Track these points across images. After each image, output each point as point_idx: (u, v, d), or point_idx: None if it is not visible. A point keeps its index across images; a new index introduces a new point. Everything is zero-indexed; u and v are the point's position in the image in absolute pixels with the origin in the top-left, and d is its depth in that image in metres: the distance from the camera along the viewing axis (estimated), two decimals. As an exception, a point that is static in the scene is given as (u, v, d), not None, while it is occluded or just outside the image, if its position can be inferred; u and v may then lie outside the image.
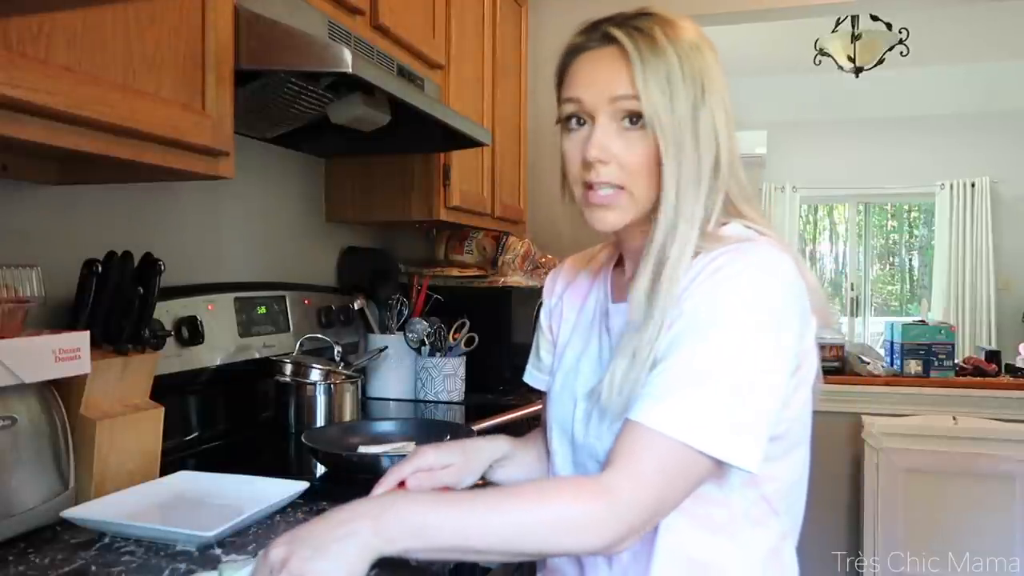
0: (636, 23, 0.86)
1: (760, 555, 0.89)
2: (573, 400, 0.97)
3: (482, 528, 0.74)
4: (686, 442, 0.76)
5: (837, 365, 2.99)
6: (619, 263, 1.01)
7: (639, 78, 0.83)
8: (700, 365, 0.78)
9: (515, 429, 1.64)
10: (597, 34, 0.87)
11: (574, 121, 0.88)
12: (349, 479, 1.32)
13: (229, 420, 1.67)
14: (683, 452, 0.77)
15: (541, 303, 1.13)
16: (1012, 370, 3.00)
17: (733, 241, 0.85)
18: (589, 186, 0.87)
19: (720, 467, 0.79)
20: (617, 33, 0.85)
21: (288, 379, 1.69)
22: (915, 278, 7.38)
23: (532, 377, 1.13)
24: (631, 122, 0.84)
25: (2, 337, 0.97)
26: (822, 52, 4.34)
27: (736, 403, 0.77)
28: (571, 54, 0.89)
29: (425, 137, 1.86)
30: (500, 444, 1.04)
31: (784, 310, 0.81)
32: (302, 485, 1.15)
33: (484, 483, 1.01)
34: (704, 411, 0.77)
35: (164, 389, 1.29)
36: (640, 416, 0.78)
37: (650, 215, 0.87)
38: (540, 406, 1.16)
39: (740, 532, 0.87)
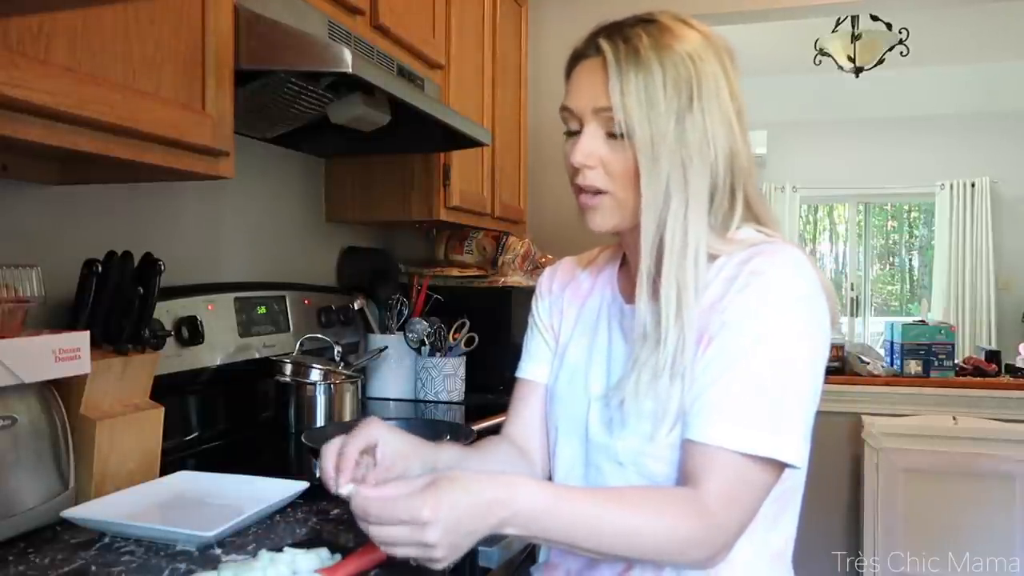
0: (626, 32, 0.87)
1: (769, 556, 0.90)
2: (586, 400, 0.97)
3: (590, 531, 0.77)
4: (768, 456, 0.80)
5: (837, 365, 2.99)
6: (625, 263, 1.01)
7: (615, 91, 0.85)
8: (760, 376, 0.81)
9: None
10: (592, 43, 0.89)
11: (570, 128, 0.91)
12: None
13: (229, 420, 1.67)
14: (763, 465, 0.81)
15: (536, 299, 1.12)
16: (1012, 370, 3.00)
17: (749, 245, 0.87)
18: (580, 189, 0.90)
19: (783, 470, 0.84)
20: (603, 44, 0.87)
21: (288, 379, 1.69)
22: (915, 278, 7.38)
23: (529, 371, 1.08)
24: (613, 133, 0.86)
25: (2, 337, 0.97)
26: (822, 52, 4.34)
27: (795, 408, 0.82)
28: (572, 61, 0.92)
29: (425, 137, 1.86)
30: (449, 453, 0.96)
31: (818, 312, 0.85)
32: (302, 485, 1.15)
33: None
34: (775, 423, 0.80)
35: (164, 389, 1.29)
36: (716, 439, 0.81)
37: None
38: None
39: (756, 532, 0.87)
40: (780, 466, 0.82)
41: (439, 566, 0.73)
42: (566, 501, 0.78)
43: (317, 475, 1.38)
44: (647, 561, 0.84)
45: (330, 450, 0.87)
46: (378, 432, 0.90)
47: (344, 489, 0.83)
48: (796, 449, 0.81)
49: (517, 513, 0.75)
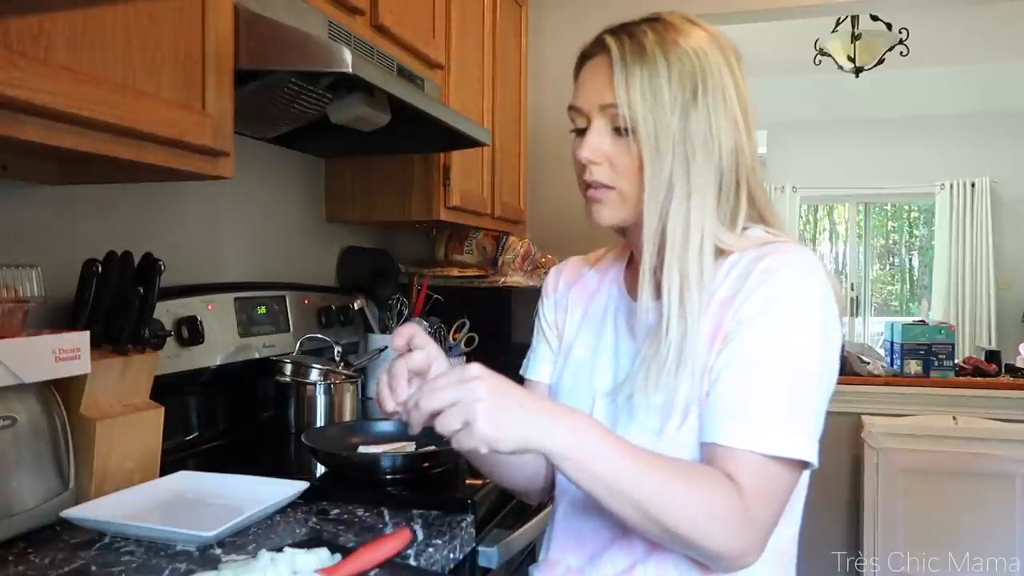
0: (632, 30, 0.88)
1: (770, 557, 0.90)
2: (591, 397, 0.97)
3: (636, 477, 0.77)
4: (794, 457, 0.81)
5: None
6: (632, 261, 1.01)
7: (620, 86, 0.85)
8: (781, 377, 0.82)
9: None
10: (598, 41, 0.90)
11: (577, 126, 0.92)
12: (349, 479, 1.32)
13: (229, 420, 1.67)
14: (787, 465, 0.81)
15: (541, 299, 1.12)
16: (1012, 370, 2.99)
17: (761, 243, 0.88)
18: (586, 185, 0.91)
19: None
20: (609, 41, 0.88)
21: (288, 379, 1.69)
22: (915, 278, 7.39)
23: (534, 371, 1.09)
24: (619, 128, 0.87)
25: (2, 337, 0.97)
26: (822, 52, 4.34)
27: (813, 408, 0.83)
28: (579, 61, 0.92)
29: (425, 137, 1.86)
30: None
31: (832, 312, 0.86)
32: (302, 485, 1.16)
33: None
34: (796, 423, 0.81)
35: (164, 389, 1.29)
36: (742, 442, 0.80)
37: None
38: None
39: None
40: (802, 465, 0.83)
41: (480, 426, 0.73)
42: (618, 439, 0.79)
43: (317, 475, 1.39)
44: (674, 536, 0.80)
45: (392, 369, 0.89)
46: (434, 353, 0.92)
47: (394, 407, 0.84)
48: (815, 449, 0.82)
49: (567, 424, 0.77)
